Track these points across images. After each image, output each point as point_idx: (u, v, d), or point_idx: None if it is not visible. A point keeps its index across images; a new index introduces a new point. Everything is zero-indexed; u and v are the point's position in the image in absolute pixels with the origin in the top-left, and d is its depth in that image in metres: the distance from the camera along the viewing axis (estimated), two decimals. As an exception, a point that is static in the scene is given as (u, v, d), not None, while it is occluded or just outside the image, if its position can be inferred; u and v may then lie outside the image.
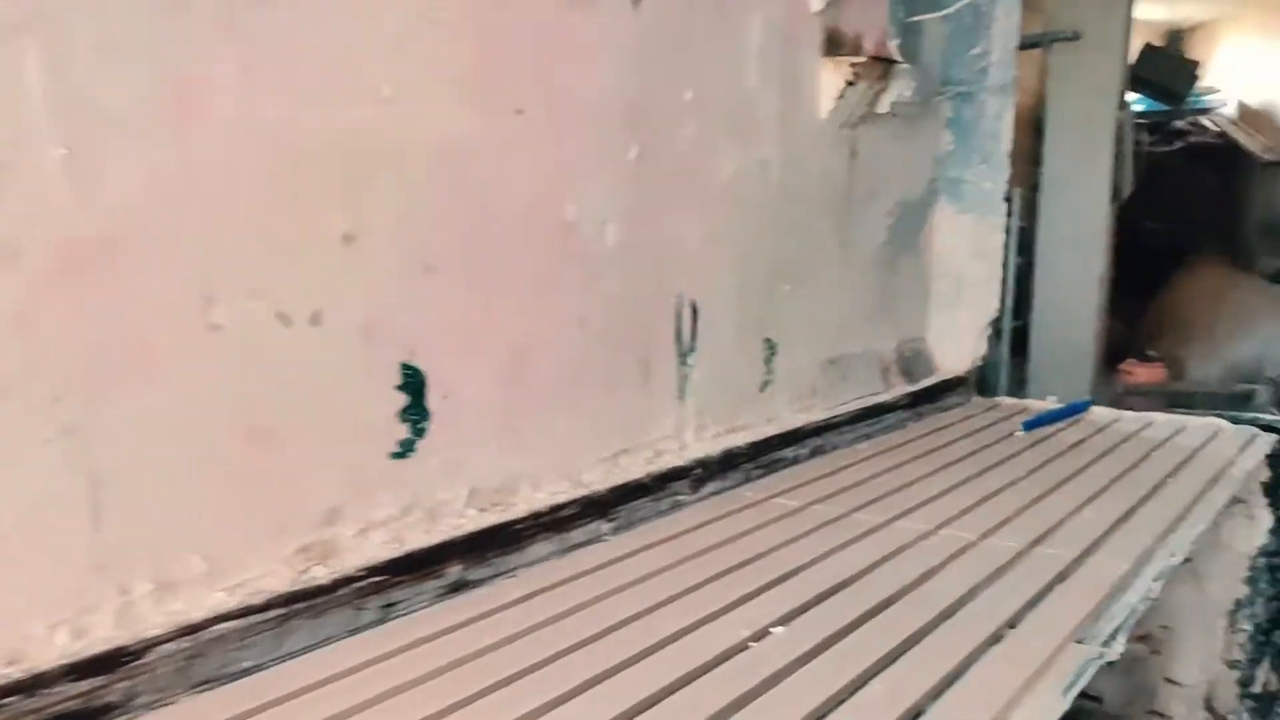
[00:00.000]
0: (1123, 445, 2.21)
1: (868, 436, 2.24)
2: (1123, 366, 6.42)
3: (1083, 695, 2.16)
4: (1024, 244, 5.89)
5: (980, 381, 2.80)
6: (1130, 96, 7.16)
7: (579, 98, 1.52)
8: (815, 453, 2.06)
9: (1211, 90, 8.37)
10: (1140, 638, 2.30)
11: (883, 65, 2.15)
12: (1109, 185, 5.88)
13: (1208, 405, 5.93)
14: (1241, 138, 8.13)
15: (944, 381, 2.61)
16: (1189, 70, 7.03)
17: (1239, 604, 2.46)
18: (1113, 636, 1.21)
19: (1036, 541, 1.53)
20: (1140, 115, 7.95)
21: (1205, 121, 8.33)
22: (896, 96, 2.23)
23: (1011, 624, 1.24)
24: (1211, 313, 7.59)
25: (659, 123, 1.67)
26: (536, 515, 1.42)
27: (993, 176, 2.64)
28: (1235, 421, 2.74)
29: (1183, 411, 3.08)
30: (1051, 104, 5.87)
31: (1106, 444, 2.21)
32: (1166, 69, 6.91)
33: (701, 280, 1.81)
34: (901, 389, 2.46)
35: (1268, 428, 2.86)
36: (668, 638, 1.19)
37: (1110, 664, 2.44)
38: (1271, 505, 2.49)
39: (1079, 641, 1.20)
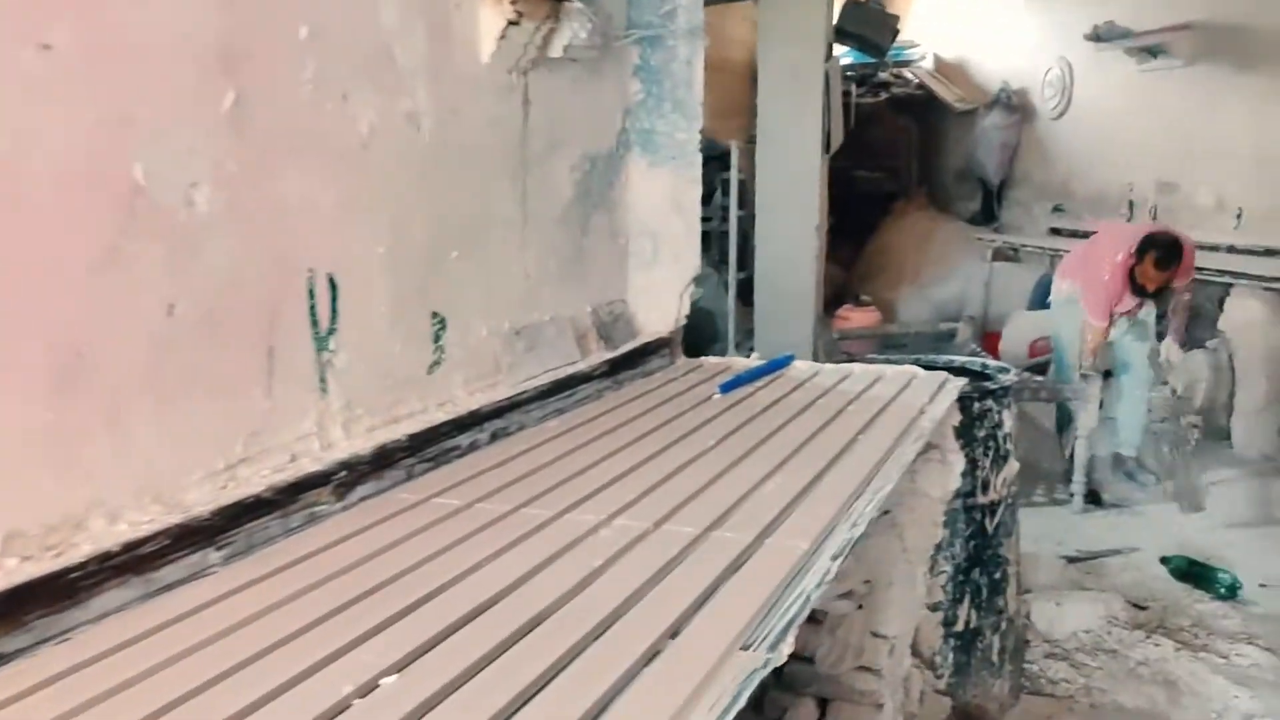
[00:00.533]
0: (820, 401, 2.15)
1: (560, 412, 2.06)
2: (839, 312, 6.64)
3: (795, 657, 2.06)
4: (746, 196, 5.96)
5: (690, 340, 2.70)
6: (839, 50, 7.39)
7: (141, 30, 1.22)
8: (497, 436, 1.86)
9: (911, 44, 8.81)
10: (844, 594, 2.27)
11: (550, 3, 1.95)
12: (821, 135, 6.00)
13: (916, 346, 6.24)
14: (939, 89, 8.61)
15: (646, 344, 2.47)
16: (890, 24, 7.30)
17: (938, 548, 2.50)
18: (782, 636, 1.08)
19: (715, 524, 1.39)
20: (848, 68, 8.25)
21: (907, 74, 8.77)
22: (570, 39, 2.04)
23: (674, 633, 1.09)
24: (917, 255, 8.03)
25: (264, 65, 1.39)
26: (106, 556, 1.13)
27: (686, 126, 2.51)
28: (929, 367, 2.78)
29: (886, 358, 3.12)
30: (762, 56, 5.91)
31: (803, 401, 2.14)
32: (869, 22, 7.14)
33: (340, 251, 1.55)
34: (601, 356, 2.30)
35: (961, 370, 2.93)
36: (253, 704, 0.95)
37: (818, 623, 2.41)
38: (965, 447, 2.53)
39: (745, 648, 1.06)
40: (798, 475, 1.62)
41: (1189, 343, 5.31)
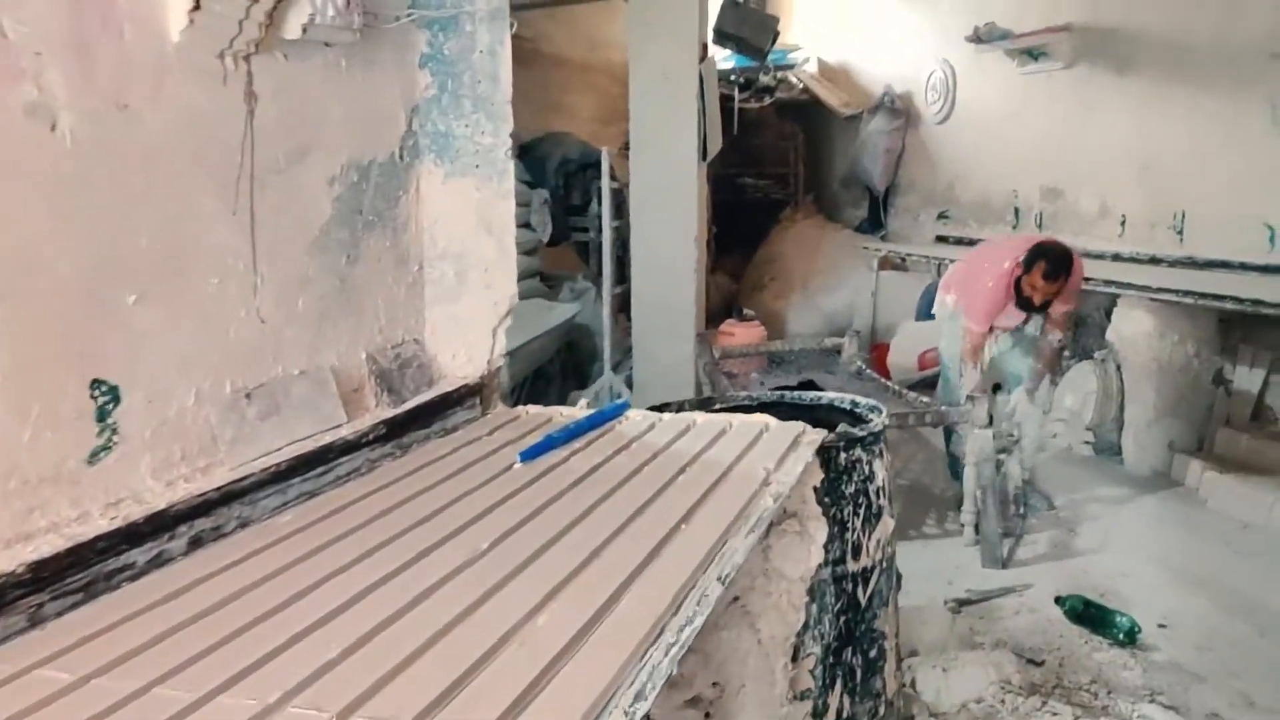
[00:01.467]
0: (647, 468, 1.73)
1: (311, 495, 1.60)
2: (722, 328, 6.27)
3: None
4: (624, 205, 5.58)
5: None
6: (721, 54, 7.04)
7: None
8: (201, 542, 1.39)
9: (795, 46, 8.53)
10: (690, 700, 1.85)
11: (271, -32, 1.49)
12: (697, 140, 5.62)
13: (801, 361, 5.90)
14: (823, 93, 8.35)
15: (446, 395, 2.02)
16: (769, 25, 6.98)
17: (805, 626, 2.10)
18: None
19: (428, 712, 0.95)
20: (730, 71, 7.92)
21: (792, 77, 8.48)
22: (311, 16, 1.59)
23: None
24: (807, 265, 7.74)
25: None
26: None
27: (492, 129, 2.07)
28: (792, 406, 2.39)
29: (747, 397, 2.73)
30: (633, 57, 5.51)
31: (628, 467, 1.72)
32: (747, 23, 6.80)
33: (-100, 307, 1.07)
34: (378, 415, 1.84)
35: (829, 407, 2.55)
36: None
37: (657, 738, 1.95)
38: (831, 506, 2.14)
39: None
40: (584, 601, 1.19)
41: (1076, 354, 5.09)
